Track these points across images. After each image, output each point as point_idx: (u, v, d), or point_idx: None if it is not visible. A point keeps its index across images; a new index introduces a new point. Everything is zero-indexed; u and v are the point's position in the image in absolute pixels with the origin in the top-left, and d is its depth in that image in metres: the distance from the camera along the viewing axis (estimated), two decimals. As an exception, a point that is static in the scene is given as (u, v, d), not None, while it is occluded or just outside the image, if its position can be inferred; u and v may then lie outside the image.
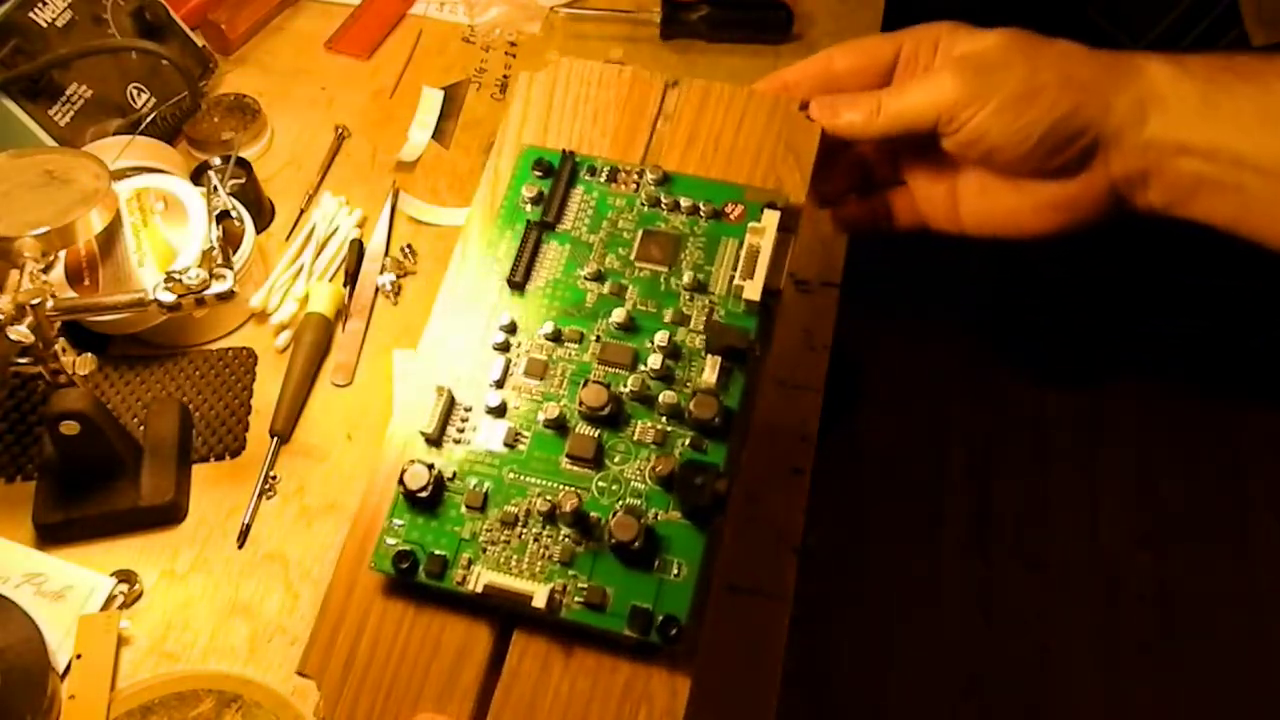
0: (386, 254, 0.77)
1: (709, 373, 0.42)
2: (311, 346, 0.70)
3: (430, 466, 0.42)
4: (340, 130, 0.85)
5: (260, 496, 0.65)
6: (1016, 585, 1.49)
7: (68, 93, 0.76)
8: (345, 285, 0.75)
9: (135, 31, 0.81)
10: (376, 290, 0.75)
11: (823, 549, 1.42)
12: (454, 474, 0.43)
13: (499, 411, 0.43)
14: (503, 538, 0.42)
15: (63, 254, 0.67)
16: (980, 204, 0.50)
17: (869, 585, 1.48)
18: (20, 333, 0.55)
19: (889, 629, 1.45)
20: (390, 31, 0.94)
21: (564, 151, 0.48)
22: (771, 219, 0.44)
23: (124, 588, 0.60)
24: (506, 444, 0.43)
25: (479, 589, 0.40)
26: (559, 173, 0.48)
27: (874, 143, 0.52)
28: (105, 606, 0.59)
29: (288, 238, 0.78)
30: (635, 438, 0.42)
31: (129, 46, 0.80)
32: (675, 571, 0.40)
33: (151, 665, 0.58)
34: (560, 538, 0.41)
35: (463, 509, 0.42)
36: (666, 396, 0.42)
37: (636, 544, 0.40)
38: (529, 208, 0.47)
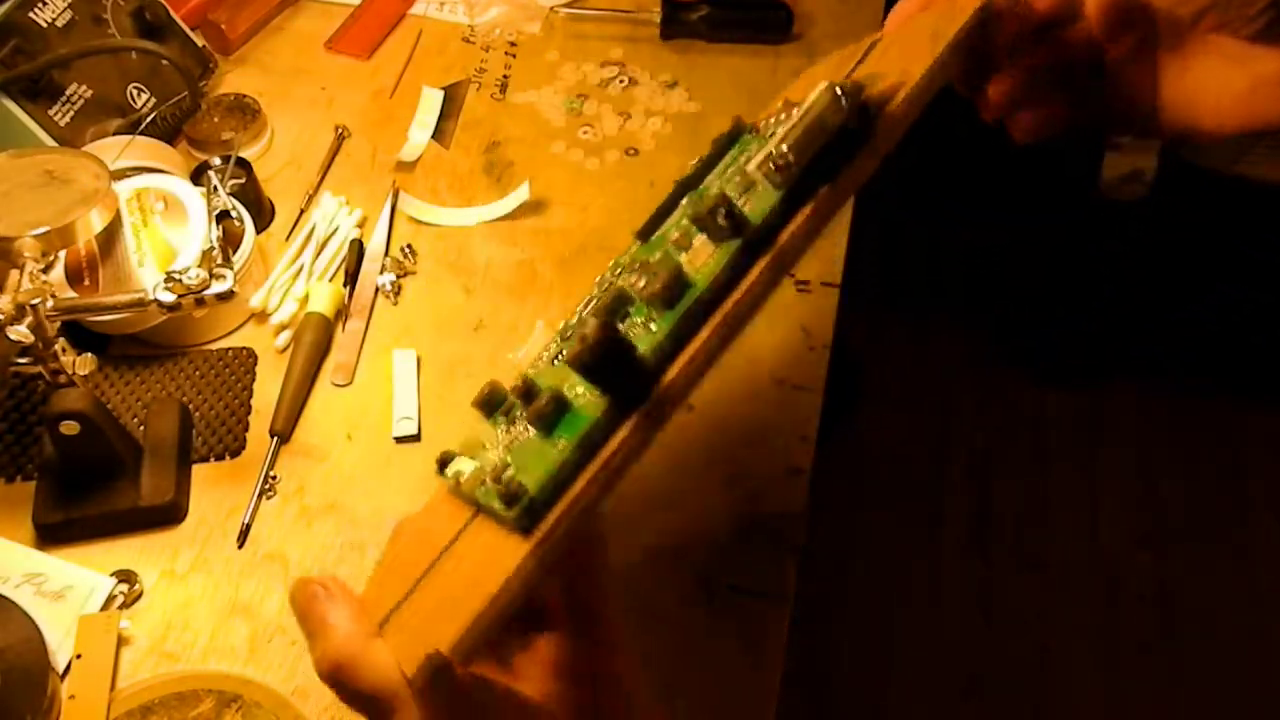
0: (386, 254, 0.77)
1: (697, 253, 0.39)
2: (311, 346, 0.70)
3: (492, 384, 0.43)
4: (340, 130, 0.86)
5: (260, 496, 0.65)
6: (1016, 585, 1.49)
7: (68, 93, 0.76)
8: (345, 285, 0.75)
9: (135, 31, 0.81)
10: (376, 290, 0.75)
11: (823, 549, 1.43)
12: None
13: (564, 335, 0.44)
14: (505, 437, 0.41)
15: (63, 254, 0.67)
16: (1183, 85, 0.43)
17: (869, 585, 1.48)
18: (20, 333, 0.55)
19: (889, 629, 1.45)
20: (390, 31, 0.94)
21: (736, 119, 0.47)
22: (817, 91, 0.40)
23: (124, 588, 0.60)
24: (551, 361, 0.44)
25: (450, 476, 0.40)
26: (720, 141, 0.47)
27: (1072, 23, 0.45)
28: (105, 606, 0.59)
29: (288, 238, 0.78)
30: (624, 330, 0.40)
31: (129, 46, 0.80)
32: (561, 445, 0.36)
33: (151, 665, 0.58)
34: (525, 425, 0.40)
35: (500, 417, 0.43)
36: (637, 284, 0.39)
37: (543, 412, 0.37)
38: None
